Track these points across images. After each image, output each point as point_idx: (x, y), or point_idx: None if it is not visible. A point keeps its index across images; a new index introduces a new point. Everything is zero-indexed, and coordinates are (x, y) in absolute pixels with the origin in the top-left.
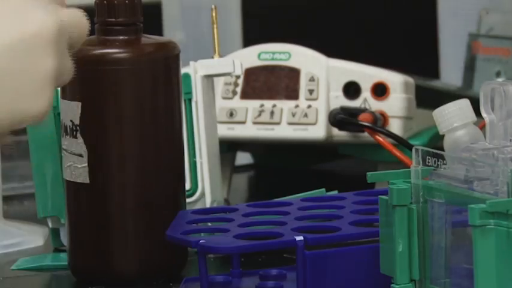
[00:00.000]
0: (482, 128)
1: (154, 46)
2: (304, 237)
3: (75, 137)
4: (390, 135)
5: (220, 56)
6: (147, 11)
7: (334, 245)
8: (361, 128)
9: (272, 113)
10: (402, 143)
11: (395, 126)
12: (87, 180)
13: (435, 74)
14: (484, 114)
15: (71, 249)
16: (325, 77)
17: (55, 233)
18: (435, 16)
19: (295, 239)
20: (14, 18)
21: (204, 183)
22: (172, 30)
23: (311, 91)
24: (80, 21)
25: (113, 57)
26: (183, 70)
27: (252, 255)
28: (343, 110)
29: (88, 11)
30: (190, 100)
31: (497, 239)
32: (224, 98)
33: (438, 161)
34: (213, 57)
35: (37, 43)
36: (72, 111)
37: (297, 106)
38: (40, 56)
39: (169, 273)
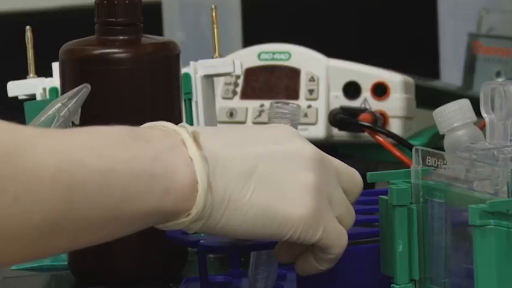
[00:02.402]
0: (482, 128)
1: (154, 46)
2: None
3: None
4: (390, 135)
5: (220, 56)
6: (147, 11)
7: None
8: (361, 128)
9: None
10: (402, 143)
11: (395, 126)
12: None
13: (435, 74)
14: (484, 114)
15: None
16: (325, 77)
17: None
18: (435, 16)
19: None
20: (281, 138)
21: None
22: (172, 30)
23: (311, 91)
24: (353, 176)
25: (113, 57)
26: (183, 70)
27: None
28: (343, 110)
29: (88, 11)
30: (190, 100)
31: (497, 239)
32: (224, 98)
33: (438, 161)
34: (213, 57)
35: (298, 157)
36: None
37: None
38: (301, 168)
39: (169, 273)
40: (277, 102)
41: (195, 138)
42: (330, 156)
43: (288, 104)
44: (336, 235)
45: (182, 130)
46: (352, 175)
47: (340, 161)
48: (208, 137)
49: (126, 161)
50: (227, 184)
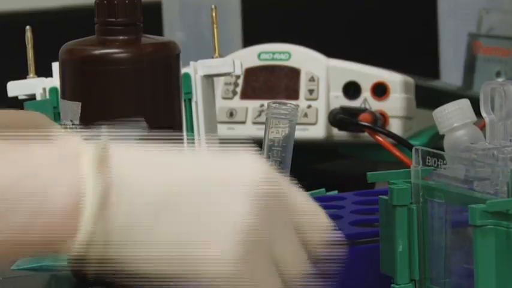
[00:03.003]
0: (482, 128)
1: (154, 46)
2: None
3: None
4: (390, 135)
5: (220, 56)
6: (147, 11)
7: None
8: (361, 128)
9: None
10: (402, 143)
11: (395, 126)
12: None
13: (435, 74)
14: (484, 114)
15: None
16: (325, 77)
17: None
18: (435, 16)
19: None
20: (222, 153)
21: None
22: (172, 30)
23: (311, 91)
24: (317, 218)
25: (113, 57)
26: (183, 70)
27: None
28: (343, 110)
29: (88, 11)
30: (190, 100)
31: (497, 239)
32: (224, 98)
33: (438, 161)
34: (213, 57)
35: (236, 183)
36: (72, 111)
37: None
38: (235, 198)
39: None
40: (274, 103)
41: (103, 153)
42: (289, 186)
43: (286, 104)
44: None
45: (86, 144)
46: (315, 216)
47: (304, 195)
48: (124, 153)
49: None
50: (132, 210)
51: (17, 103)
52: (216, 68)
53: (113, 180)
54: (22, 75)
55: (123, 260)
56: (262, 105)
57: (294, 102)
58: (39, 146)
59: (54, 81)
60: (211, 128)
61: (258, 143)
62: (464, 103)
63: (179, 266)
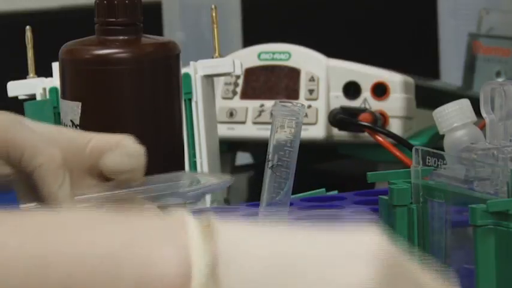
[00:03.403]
0: (482, 128)
1: (154, 46)
2: None
3: None
4: (390, 135)
5: (220, 56)
6: (147, 11)
7: None
8: (361, 128)
9: None
10: (402, 143)
11: (395, 126)
12: None
13: (435, 74)
14: (484, 114)
15: None
16: (325, 77)
17: None
18: (435, 16)
19: None
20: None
21: None
22: (172, 30)
23: (311, 91)
24: None
25: (113, 57)
26: (183, 70)
27: None
28: (343, 110)
29: (88, 11)
30: (190, 100)
31: (497, 239)
32: (224, 98)
33: (438, 161)
34: (213, 57)
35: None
36: (72, 111)
37: None
38: (355, 264)
39: None
40: (282, 101)
41: (209, 226)
42: (417, 267)
43: (292, 103)
44: None
45: (191, 216)
46: None
47: (433, 277)
48: (231, 227)
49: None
50: (244, 284)
51: (17, 103)
52: (216, 68)
53: (221, 252)
54: (22, 75)
55: None
56: (262, 105)
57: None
58: (140, 217)
59: (54, 81)
60: (211, 128)
61: (258, 143)
62: (465, 103)
63: None
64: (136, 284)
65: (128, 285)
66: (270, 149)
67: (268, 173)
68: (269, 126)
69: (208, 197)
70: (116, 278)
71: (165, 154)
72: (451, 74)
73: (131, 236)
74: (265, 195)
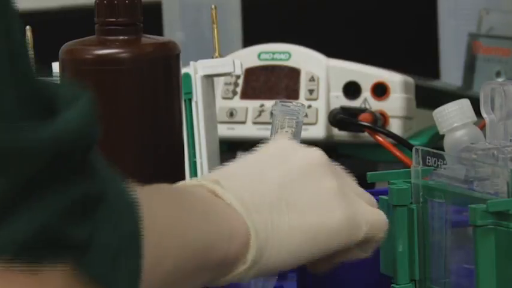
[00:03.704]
0: (483, 128)
1: (154, 46)
2: None
3: None
4: (390, 135)
5: (220, 56)
6: (147, 11)
7: None
8: (361, 128)
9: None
10: (402, 143)
11: (395, 126)
12: None
13: (435, 74)
14: (484, 114)
15: None
16: (325, 77)
17: None
18: (435, 16)
19: None
20: (286, 156)
21: None
22: (172, 30)
23: (311, 91)
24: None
25: (113, 57)
26: (183, 70)
27: None
28: (343, 110)
29: (88, 11)
30: (190, 100)
31: (497, 239)
32: (224, 98)
33: (438, 161)
34: (213, 57)
35: (311, 168)
36: None
37: None
38: (319, 177)
39: None
40: (282, 101)
41: (217, 183)
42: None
43: (292, 102)
44: (377, 222)
45: (207, 183)
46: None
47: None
48: (228, 182)
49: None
50: (265, 222)
51: None
52: (216, 68)
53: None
54: None
55: (274, 264)
56: (262, 105)
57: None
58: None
59: None
60: (211, 128)
61: (258, 143)
62: (465, 103)
63: (315, 247)
64: (229, 239)
65: (227, 242)
66: None
67: None
68: (269, 126)
69: None
70: (221, 236)
71: (165, 154)
72: (451, 74)
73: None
74: None
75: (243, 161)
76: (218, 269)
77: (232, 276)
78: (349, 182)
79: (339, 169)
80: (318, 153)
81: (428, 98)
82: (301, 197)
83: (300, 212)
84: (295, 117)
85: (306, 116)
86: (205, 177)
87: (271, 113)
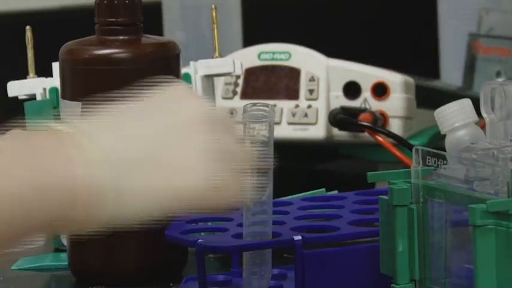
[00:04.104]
0: (483, 128)
1: (154, 46)
2: (302, 237)
3: None
4: (390, 135)
5: (220, 56)
6: (147, 11)
7: (335, 245)
8: (361, 128)
9: None
10: (402, 143)
11: (395, 126)
12: None
13: (435, 74)
14: (484, 114)
15: (71, 249)
16: (325, 77)
17: None
18: (435, 16)
19: (293, 239)
20: (169, 105)
21: None
22: (172, 30)
23: (311, 91)
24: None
25: (113, 57)
26: (183, 70)
27: None
28: (343, 110)
29: (88, 11)
30: None
31: (497, 239)
32: (224, 98)
33: (438, 161)
34: (213, 57)
35: (185, 123)
36: (72, 111)
37: (297, 106)
38: (189, 133)
39: (170, 273)
40: (253, 105)
41: (84, 133)
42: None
43: (262, 104)
44: (242, 192)
45: (71, 130)
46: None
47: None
48: (95, 130)
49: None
50: (120, 175)
51: (17, 103)
52: (216, 68)
53: (100, 151)
54: (22, 75)
55: (126, 215)
56: None
57: (294, 102)
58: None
59: (54, 81)
60: None
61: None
62: (466, 103)
63: (174, 205)
64: (70, 198)
65: (66, 202)
66: None
67: None
68: None
69: None
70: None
71: None
72: (451, 74)
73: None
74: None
75: (129, 107)
76: (61, 225)
77: (75, 229)
78: (228, 144)
79: (225, 128)
80: (199, 107)
81: (429, 98)
82: (169, 156)
83: (161, 169)
84: (267, 121)
85: (306, 115)
86: (81, 123)
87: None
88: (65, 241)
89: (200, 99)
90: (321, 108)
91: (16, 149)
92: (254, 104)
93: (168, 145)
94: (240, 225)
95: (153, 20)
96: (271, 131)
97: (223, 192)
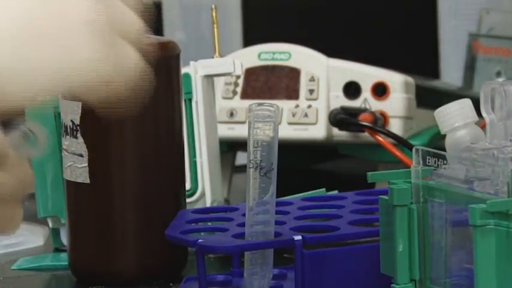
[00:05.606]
0: (483, 128)
1: (154, 46)
2: (302, 237)
3: (75, 137)
4: (390, 135)
5: (221, 56)
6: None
7: (335, 245)
8: (361, 128)
9: None
10: (402, 143)
11: (395, 126)
12: (87, 180)
13: (435, 74)
14: (484, 114)
15: (71, 249)
16: (325, 77)
17: (55, 232)
18: (435, 16)
19: (293, 239)
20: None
21: (204, 183)
22: (172, 30)
23: (311, 91)
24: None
25: None
26: (183, 70)
27: None
28: (344, 110)
29: None
30: (190, 100)
31: (497, 239)
32: (224, 98)
33: (438, 161)
34: (213, 57)
35: None
36: (72, 111)
37: (297, 106)
38: (70, 6)
39: (170, 273)
40: (258, 105)
41: None
42: None
43: (267, 104)
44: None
45: None
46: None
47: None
48: None
49: None
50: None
51: None
52: (216, 68)
53: None
54: None
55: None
56: None
57: (294, 102)
58: None
59: None
60: (211, 128)
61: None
62: (466, 103)
63: (59, 84)
64: None
65: None
66: (249, 152)
67: (251, 173)
68: None
69: (208, 197)
70: None
71: (165, 154)
72: (451, 74)
73: None
74: (251, 196)
75: None
76: None
77: None
78: (115, 13)
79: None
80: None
81: (429, 98)
82: (51, 26)
83: (47, 43)
84: (273, 121)
85: (306, 115)
86: None
87: (248, 121)
88: (65, 241)
89: None
90: (321, 108)
91: None
92: (260, 104)
93: (47, 16)
94: (240, 225)
95: (153, 20)
96: (275, 131)
97: (115, 68)
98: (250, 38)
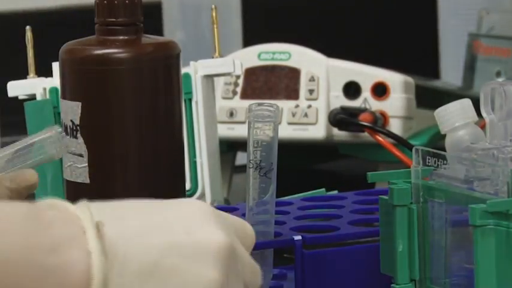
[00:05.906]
0: (483, 128)
1: (155, 46)
2: (302, 237)
3: (75, 137)
4: (390, 135)
5: (221, 56)
6: (147, 11)
7: (335, 245)
8: (361, 128)
9: None
10: (402, 143)
11: (395, 126)
12: (87, 180)
13: (435, 74)
14: (484, 114)
15: None
16: (325, 77)
17: None
18: (435, 16)
19: (293, 239)
20: (189, 224)
21: (204, 183)
22: (172, 30)
23: (311, 91)
24: (257, 268)
25: (113, 57)
26: (183, 70)
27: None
28: (343, 110)
29: (88, 11)
30: (190, 100)
31: (497, 239)
32: (224, 98)
33: (438, 161)
34: (213, 57)
35: (204, 251)
36: (72, 111)
37: (297, 106)
38: (205, 264)
39: None
40: (258, 105)
41: (98, 225)
42: (235, 232)
43: (267, 104)
44: None
45: (85, 216)
46: (256, 267)
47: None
48: (111, 223)
49: (23, 249)
50: (124, 283)
51: (17, 103)
52: (216, 68)
53: (109, 251)
54: (22, 75)
55: None
56: None
57: (294, 102)
58: (57, 217)
59: (54, 81)
60: (211, 128)
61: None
62: (466, 103)
63: None
64: (57, 286)
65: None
66: (249, 152)
67: (251, 173)
68: None
69: (208, 197)
70: (43, 281)
71: (165, 154)
72: (451, 74)
73: (53, 242)
74: (251, 196)
75: (143, 206)
76: None
77: None
78: (236, 282)
79: (237, 266)
80: (221, 238)
81: (428, 98)
82: (176, 275)
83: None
84: (272, 121)
85: (306, 115)
86: (102, 210)
87: (248, 121)
88: None
89: (217, 224)
90: (321, 108)
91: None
92: (259, 104)
93: (179, 265)
94: None
95: (153, 20)
96: (275, 131)
97: None
98: (250, 38)
